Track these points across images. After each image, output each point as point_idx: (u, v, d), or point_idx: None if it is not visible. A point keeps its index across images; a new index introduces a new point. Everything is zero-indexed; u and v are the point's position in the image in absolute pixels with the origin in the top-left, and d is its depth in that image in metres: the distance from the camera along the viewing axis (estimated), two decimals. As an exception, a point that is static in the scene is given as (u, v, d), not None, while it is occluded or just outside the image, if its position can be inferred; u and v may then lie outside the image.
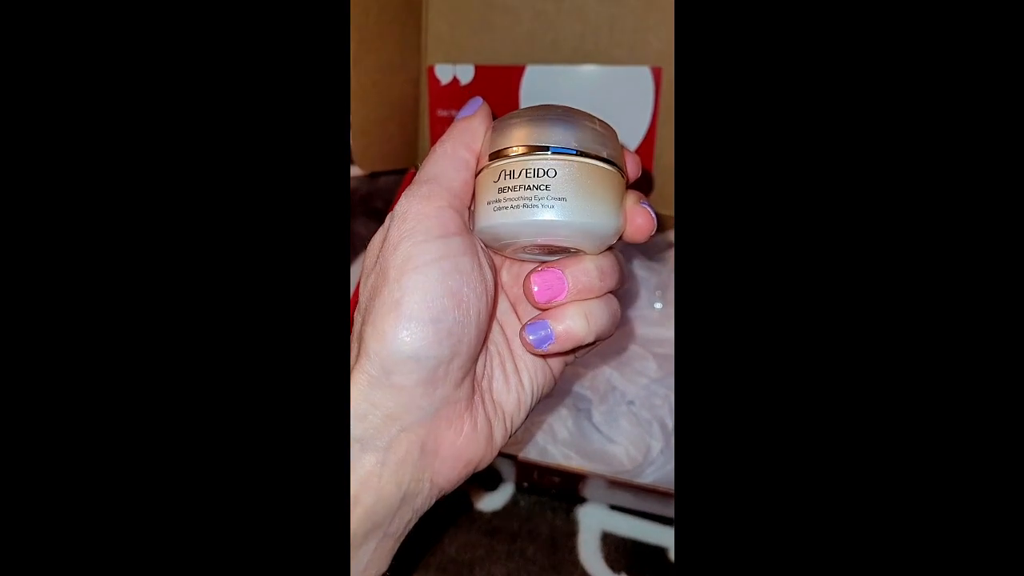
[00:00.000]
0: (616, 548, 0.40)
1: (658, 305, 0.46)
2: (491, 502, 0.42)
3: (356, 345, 0.23)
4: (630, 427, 0.42)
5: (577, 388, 0.43)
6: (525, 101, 0.46)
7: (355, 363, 0.23)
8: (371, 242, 0.25)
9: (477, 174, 0.24)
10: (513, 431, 0.27)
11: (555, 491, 0.42)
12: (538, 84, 0.45)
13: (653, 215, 0.24)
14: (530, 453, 0.40)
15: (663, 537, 0.41)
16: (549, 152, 0.22)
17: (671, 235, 0.50)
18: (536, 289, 0.24)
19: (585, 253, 0.25)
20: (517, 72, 0.46)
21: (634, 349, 0.45)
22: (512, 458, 0.39)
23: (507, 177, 0.23)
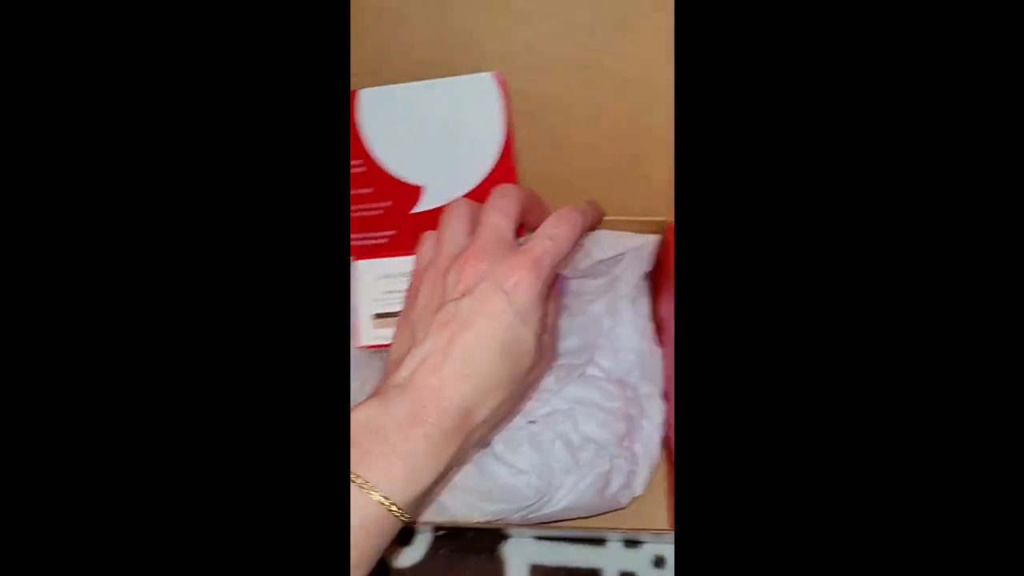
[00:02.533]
0: (546, 578, 0.40)
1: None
2: (409, 556, 0.42)
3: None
4: (532, 451, 0.40)
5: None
6: (369, 129, 0.41)
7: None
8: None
9: None
10: None
11: (474, 533, 0.41)
12: (377, 109, 0.41)
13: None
14: (426, 513, 0.38)
15: (594, 558, 0.41)
16: None
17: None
18: None
19: None
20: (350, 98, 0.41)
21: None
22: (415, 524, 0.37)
23: None
